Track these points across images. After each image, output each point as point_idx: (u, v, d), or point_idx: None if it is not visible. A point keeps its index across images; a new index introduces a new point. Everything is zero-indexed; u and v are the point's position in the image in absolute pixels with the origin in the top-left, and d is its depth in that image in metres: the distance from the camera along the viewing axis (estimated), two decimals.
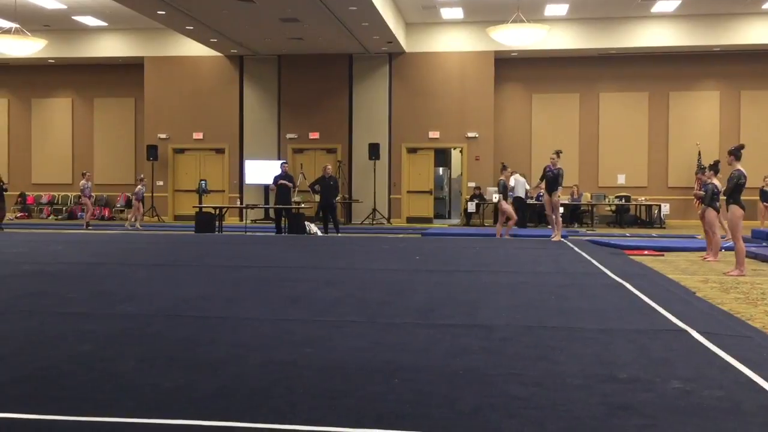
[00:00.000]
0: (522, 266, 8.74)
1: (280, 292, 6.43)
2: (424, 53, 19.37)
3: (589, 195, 19.04)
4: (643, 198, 18.83)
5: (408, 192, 19.62)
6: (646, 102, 19.56)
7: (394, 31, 17.10)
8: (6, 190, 16.77)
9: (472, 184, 19.25)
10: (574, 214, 19.09)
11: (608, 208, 19.25)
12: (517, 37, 16.03)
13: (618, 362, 3.93)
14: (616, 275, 7.65)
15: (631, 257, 10.23)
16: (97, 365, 3.83)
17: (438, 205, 20.91)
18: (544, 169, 13.04)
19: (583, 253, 10.22)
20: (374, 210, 18.88)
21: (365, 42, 18.09)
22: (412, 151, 19.68)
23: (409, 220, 19.41)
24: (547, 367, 3.81)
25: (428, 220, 19.24)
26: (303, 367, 3.78)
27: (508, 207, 13.73)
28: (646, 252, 10.80)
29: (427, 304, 5.89)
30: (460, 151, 19.72)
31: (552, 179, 12.73)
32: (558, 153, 13.07)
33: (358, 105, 19.69)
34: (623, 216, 18.90)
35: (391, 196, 19.57)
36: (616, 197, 18.85)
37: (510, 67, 19.71)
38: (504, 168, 14.04)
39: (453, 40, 19.26)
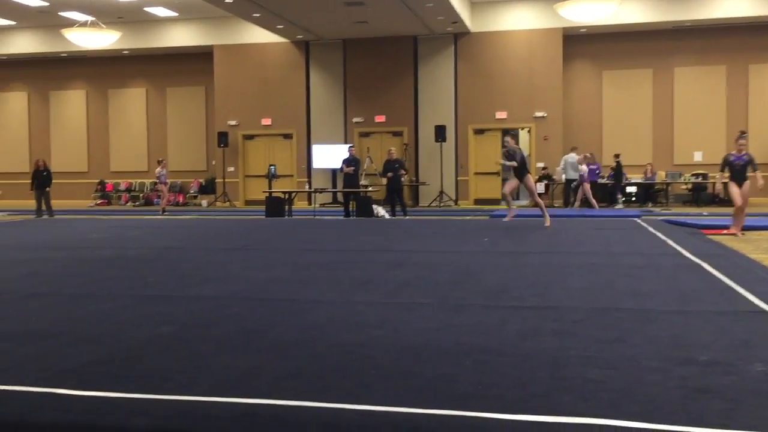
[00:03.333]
0: (594, 247, 8.56)
1: (350, 275, 6.49)
2: (489, 32, 19.09)
3: (663, 173, 18.48)
4: (719, 175, 18.15)
5: (475, 173, 19.46)
6: (724, 76, 18.78)
7: (458, 11, 16.90)
8: (50, 177, 17.04)
9: (540, 165, 18.94)
10: (648, 194, 18.57)
11: (684, 187, 18.63)
12: (587, 12, 15.62)
13: (697, 345, 3.81)
14: (693, 255, 7.40)
15: (709, 237, 9.89)
16: (176, 346, 3.95)
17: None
18: (506, 152, 11.60)
19: (658, 233, 9.94)
20: (441, 192, 18.81)
21: (430, 23, 17.94)
22: (478, 132, 19.48)
23: (477, 201, 19.25)
24: (622, 350, 3.73)
25: (496, 202, 19.03)
26: (374, 349, 3.81)
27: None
28: (725, 231, 10.41)
29: (497, 285, 5.84)
30: (528, 131, 19.40)
31: (522, 163, 11.50)
32: (514, 135, 11.91)
33: (423, 87, 19.59)
34: (700, 194, 18.27)
35: (459, 178, 19.45)
36: (693, 175, 18.22)
37: (579, 43, 19.23)
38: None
39: (519, 18, 18.90)
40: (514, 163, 11.40)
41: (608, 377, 3.24)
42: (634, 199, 18.56)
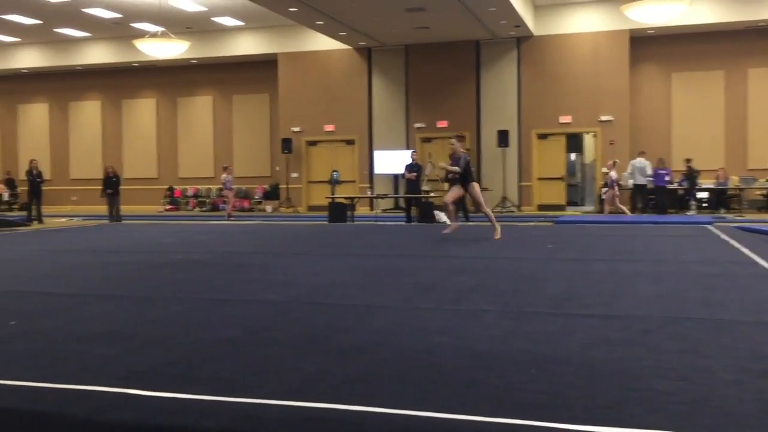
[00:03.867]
0: (663, 254, 8.32)
1: (412, 280, 6.48)
2: (553, 35, 18.85)
3: (736, 179, 17.86)
4: None
5: (539, 179, 19.22)
6: None
7: (522, 15, 16.74)
8: (119, 183, 17.70)
9: (606, 170, 18.56)
10: (721, 199, 17.98)
11: (759, 192, 17.95)
12: (655, 13, 15.25)
13: None
14: None
15: None
16: (243, 349, 4.02)
17: (571, 192, 20.34)
18: (451, 156, 10.47)
19: (732, 241, 9.60)
20: (504, 198, 18.64)
21: (492, 27, 17.83)
22: (542, 137, 19.23)
23: (541, 207, 19.01)
24: (694, 361, 3.61)
25: (560, 208, 18.75)
26: (438, 355, 3.79)
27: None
28: None
29: (562, 293, 5.74)
30: (594, 136, 19.05)
31: (466, 167, 10.29)
32: (460, 138, 10.65)
33: (485, 92, 19.47)
34: None
35: (521, 184, 19.24)
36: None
37: (646, 45, 18.79)
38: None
39: (584, 21, 18.60)
40: (457, 169, 10.15)
41: (680, 389, 3.14)
42: (705, 205, 17.98)
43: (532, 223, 14.49)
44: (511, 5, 15.60)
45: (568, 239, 10.28)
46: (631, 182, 17.01)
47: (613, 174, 16.28)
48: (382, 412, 2.89)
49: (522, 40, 19.03)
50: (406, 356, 3.80)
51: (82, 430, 2.88)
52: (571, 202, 20.15)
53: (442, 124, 19.78)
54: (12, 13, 18.87)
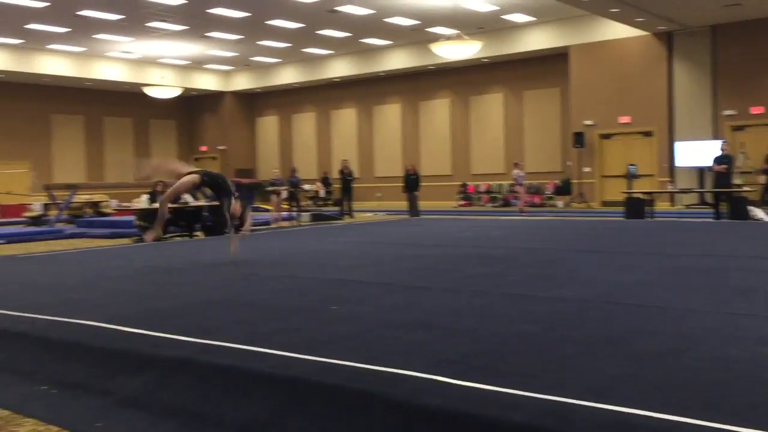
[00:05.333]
0: None
1: (726, 283, 5.93)
2: None
3: None
4: None
5: None
6: None
7: None
8: (418, 180, 18.60)
9: None
10: None
11: None
12: None
13: None
14: None
15: None
16: (542, 346, 4.02)
17: None
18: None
19: None
20: None
21: None
22: None
23: None
24: None
25: None
26: (761, 367, 3.43)
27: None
28: None
29: None
30: None
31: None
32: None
33: None
34: None
35: None
36: None
37: None
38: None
39: None
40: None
41: None
42: None
43: None
44: None
45: None
46: None
47: None
48: (701, 425, 2.69)
49: None
50: (724, 365, 3.49)
51: (400, 411, 3.12)
52: None
53: (757, 110, 17.73)
54: (327, 28, 21.02)
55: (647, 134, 19.62)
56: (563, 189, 21.47)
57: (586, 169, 20.51)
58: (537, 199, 21.94)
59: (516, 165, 18.70)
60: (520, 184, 18.45)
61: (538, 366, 3.58)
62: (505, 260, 8.08)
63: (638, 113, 19.54)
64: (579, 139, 20.12)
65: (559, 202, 21.10)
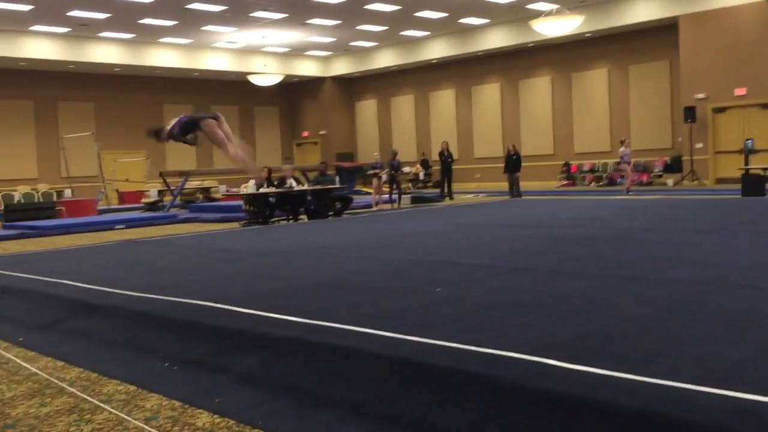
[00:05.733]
0: None
1: None
2: None
3: None
4: None
5: None
6: None
7: None
8: (520, 160, 18.22)
9: None
10: None
11: None
12: None
13: None
14: None
15: None
16: (656, 329, 3.89)
17: None
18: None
19: None
20: None
21: None
22: None
23: None
24: None
25: None
26: None
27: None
28: None
29: None
30: None
31: None
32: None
33: None
34: None
35: None
36: None
37: None
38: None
39: None
40: None
41: None
42: None
43: None
44: None
45: None
46: None
47: None
48: None
49: None
50: None
51: (508, 394, 3.11)
52: None
53: None
54: (424, 10, 20.92)
55: (765, 106, 18.45)
56: (673, 166, 20.55)
57: (698, 145, 19.54)
58: (645, 178, 21.12)
59: (622, 142, 18.05)
60: (627, 162, 17.80)
61: (652, 350, 3.48)
62: (612, 241, 7.85)
63: (755, 84, 18.40)
64: (690, 113, 19.18)
65: (669, 181, 20.22)
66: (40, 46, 21.56)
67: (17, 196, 18.11)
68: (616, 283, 5.29)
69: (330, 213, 14.62)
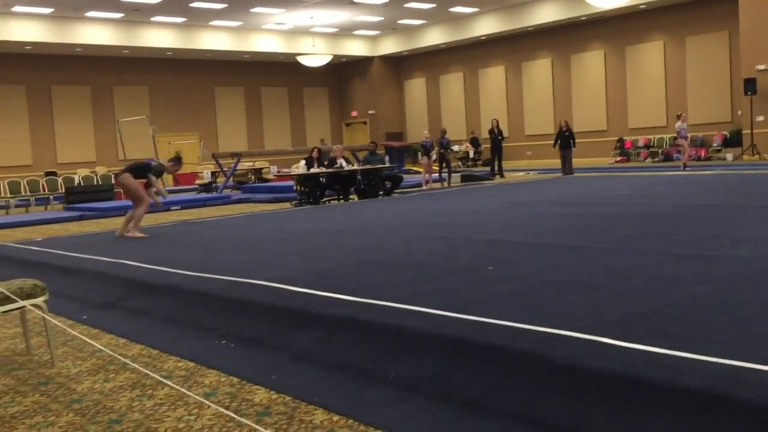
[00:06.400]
0: None
1: None
2: None
3: None
4: None
5: None
6: None
7: None
8: (572, 137, 17.82)
9: None
10: None
11: None
12: None
13: None
14: None
15: None
16: (715, 308, 3.81)
17: None
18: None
19: None
20: None
21: None
22: None
23: None
24: None
25: None
26: None
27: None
28: None
29: None
30: None
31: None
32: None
33: None
34: None
35: None
36: None
37: None
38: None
39: None
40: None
41: None
42: None
43: None
44: None
45: None
46: None
47: None
48: None
49: None
50: None
51: (561, 372, 3.09)
52: None
53: None
54: None
55: None
56: (733, 141, 19.91)
57: (759, 118, 18.87)
58: (702, 153, 20.53)
59: (679, 117, 17.54)
60: (684, 137, 17.32)
61: (712, 329, 3.41)
62: (669, 218, 7.68)
63: None
64: (751, 85, 18.51)
65: (728, 155, 19.61)
66: (96, 32, 22.03)
67: (77, 179, 18.66)
68: (674, 260, 5.18)
69: (380, 192, 14.65)
